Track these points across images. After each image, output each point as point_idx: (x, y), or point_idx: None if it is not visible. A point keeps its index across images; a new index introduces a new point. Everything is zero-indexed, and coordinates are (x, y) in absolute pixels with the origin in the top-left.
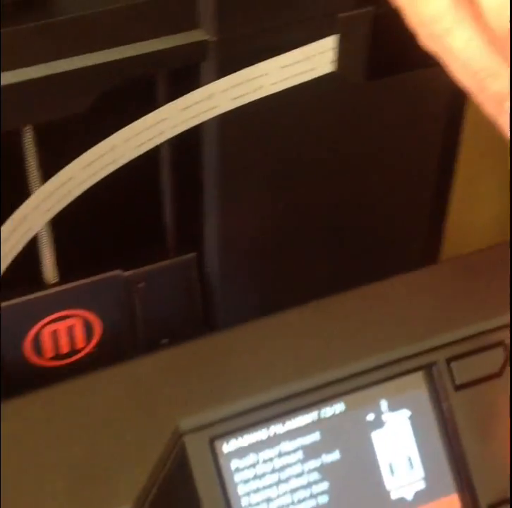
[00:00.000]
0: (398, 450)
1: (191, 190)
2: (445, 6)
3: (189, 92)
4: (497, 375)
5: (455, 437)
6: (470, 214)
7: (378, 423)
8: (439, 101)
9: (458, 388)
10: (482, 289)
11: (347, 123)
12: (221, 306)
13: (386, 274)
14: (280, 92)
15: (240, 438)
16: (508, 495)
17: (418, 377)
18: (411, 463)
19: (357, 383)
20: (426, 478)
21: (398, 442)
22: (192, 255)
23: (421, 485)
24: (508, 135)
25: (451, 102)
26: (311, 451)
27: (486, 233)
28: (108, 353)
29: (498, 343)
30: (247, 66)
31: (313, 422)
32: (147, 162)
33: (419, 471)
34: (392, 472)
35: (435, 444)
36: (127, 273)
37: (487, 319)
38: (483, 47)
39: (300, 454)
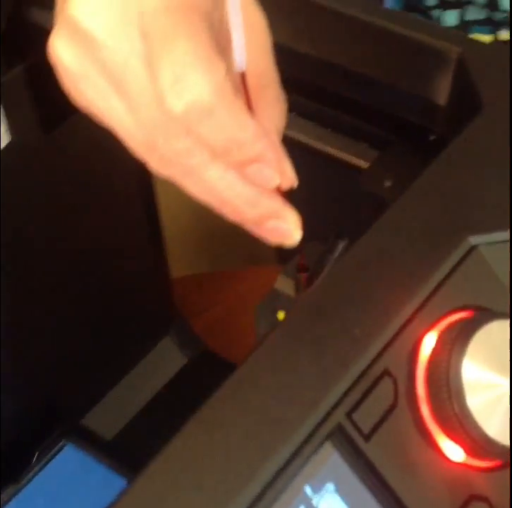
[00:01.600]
0: None
1: None
2: (194, 143)
3: None
4: (394, 405)
5: (384, 485)
6: None
7: None
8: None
9: (368, 437)
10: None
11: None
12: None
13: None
14: None
15: None
16: None
17: (328, 446)
18: None
19: (279, 485)
20: None
21: None
22: None
23: None
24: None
25: None
26: None
27: None
28: None
29: (383, 373)
30: None
31: None
32: None
33: None
34: None
35: (369, 503)
36: None
37: (365, 349)
38: (239, 179)
39: None
